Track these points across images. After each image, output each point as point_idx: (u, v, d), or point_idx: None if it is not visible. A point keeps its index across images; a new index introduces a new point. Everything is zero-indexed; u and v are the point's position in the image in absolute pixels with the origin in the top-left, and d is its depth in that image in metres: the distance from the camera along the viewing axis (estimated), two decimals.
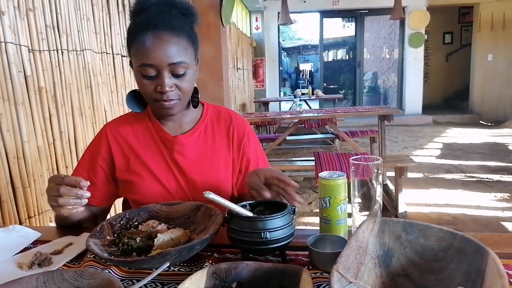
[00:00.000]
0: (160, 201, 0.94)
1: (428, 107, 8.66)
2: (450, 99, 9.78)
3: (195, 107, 1.04)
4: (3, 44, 1.42)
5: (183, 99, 0.94)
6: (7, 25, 1.45)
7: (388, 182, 3.71)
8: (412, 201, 3.36)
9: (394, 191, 3.26)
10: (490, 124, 7.82)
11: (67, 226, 0.99)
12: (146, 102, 0.99)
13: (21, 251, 0.87)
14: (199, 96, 1.03)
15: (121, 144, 1.02)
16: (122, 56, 2.40)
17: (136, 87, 0.96)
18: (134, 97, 1.01)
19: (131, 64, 0.94)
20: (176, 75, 0.90)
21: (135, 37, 0.88)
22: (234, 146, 1.06)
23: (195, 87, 1.00)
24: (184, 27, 0.91)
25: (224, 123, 1.07)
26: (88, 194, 0.76)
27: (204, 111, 1.07)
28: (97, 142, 1.04)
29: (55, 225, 1.02)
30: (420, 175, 4.22)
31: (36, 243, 0.91)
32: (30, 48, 1.58)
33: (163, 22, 0.87)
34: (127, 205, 1.11)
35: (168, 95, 0.89)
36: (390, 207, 3.20)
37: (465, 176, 4.16)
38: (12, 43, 1.46)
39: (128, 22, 2.42)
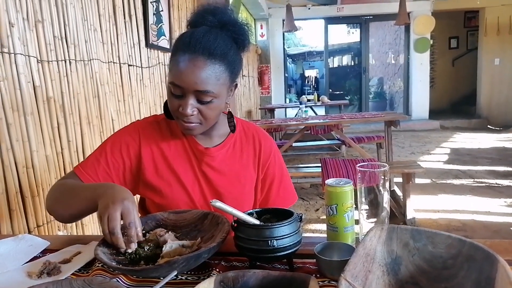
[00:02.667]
0: None
1: (435, 112, 8.62)
2: (457, 104, 9.71)
3: (232, 131, 1.05)
4: (12, 55, 1.45)
5: (204, 124, 0.95)
6: (17, 36, 1.47)
7: (396, 188, 3.69)
8: (421, 207, 3.33)
9: (402, 197, 3.23)
10: (498, 128, 7.75)
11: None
12: None
13: (30, 260, 0.87)
14: (234, 120, 1.04)
15: (152, 148, 1.01)
16: (128, 65, 2.43)
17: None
18: None
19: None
20: (200, 101, 0.90)
21: (176, 52, 0.90)
22: (260, 165, 1.07)
23: (229, 111, 1.03)
24: (227, 53, 0.90)
25: (252, 141, 1.08)
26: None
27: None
28: (126, 136, 1.02)
29: (64, 234, 1.02)
30: (428, 181, 4.18)
31: (45, 252, 0.92)
32: (39, 58, 1.61)
33: (203, 47, 0.87)
34: (143, 208, 1.10)
35: (188, 118, 0.91)
36: (398, 213, 3.17)
37: (474, 181, 4.12)
38: (21, 54, 1.49)
39: (134, 32, 2.48)
